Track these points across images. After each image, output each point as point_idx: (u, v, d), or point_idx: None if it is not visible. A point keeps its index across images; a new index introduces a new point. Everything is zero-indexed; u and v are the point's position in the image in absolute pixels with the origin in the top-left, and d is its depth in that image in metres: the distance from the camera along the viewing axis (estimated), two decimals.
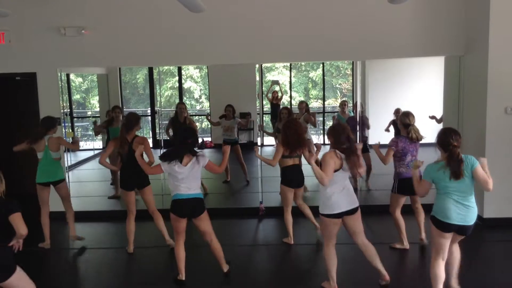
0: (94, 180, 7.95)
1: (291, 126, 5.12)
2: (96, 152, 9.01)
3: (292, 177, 5.26)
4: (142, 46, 6.41)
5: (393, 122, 7.14)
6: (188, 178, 4.16)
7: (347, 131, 3.99)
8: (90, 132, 9.53)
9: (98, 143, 9.20)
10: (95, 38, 6.40)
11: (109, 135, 7.14)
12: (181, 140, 4.17)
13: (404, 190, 4.89)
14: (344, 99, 9.11)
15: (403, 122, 4.90)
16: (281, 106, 9.57)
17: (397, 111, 7.32)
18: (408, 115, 4.90)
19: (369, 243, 4.09)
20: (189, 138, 4.19)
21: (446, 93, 6.83)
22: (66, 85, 7.70)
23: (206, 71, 9.06)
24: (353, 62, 8.74)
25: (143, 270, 4.92)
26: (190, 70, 9.76)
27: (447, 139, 3.52)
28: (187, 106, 7.45)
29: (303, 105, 7.62)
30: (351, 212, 3.96)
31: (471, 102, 6.12)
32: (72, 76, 8.63)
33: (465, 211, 3.48)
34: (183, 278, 4.39)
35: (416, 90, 7.88)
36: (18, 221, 3.15)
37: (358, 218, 4.03)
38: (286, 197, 5.30)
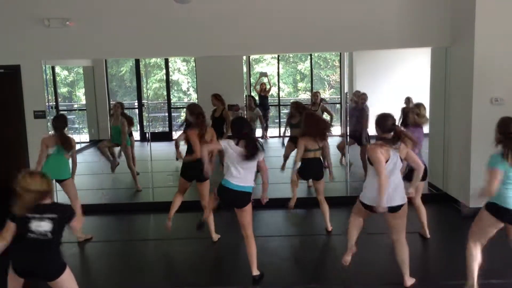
0: (82, 174, 7.87)
1: (311, 117, 5.20)
2: (83, 145, 8.92)
3: (306, 169, 5.30)
4: (128, 38, 6.34)
5: (403, 110, 7.24)
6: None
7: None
8: (77, 126, 9.44)
9: (85, 136, 9.12)
10: (80, 30, 6.31)
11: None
12: (237, 133, 4.12)
13: (409, 177, 4.91)
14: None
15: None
16: (269, 98, 9.59)
17: (407, 100, 7.37)
18: (419, 106, 5.11)
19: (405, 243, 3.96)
20: (244, 129, 4.12)
21: (432, 84, 6.88)
22: (52, 77, 7.60)
23: (193, 63, 9.00)
24: (340, 53, 8.75)
25: (133, 263, 4.92)
26: (178, 63, 9.68)
27: (508, 128, 3.47)
28: (175, 98, 7.42)
29: (318, 94, 7.83)
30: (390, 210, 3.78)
31: (457, 92, 6.17)
32: (57, 69, 8.52)
33: None
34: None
35: (403, 81, 7.93)
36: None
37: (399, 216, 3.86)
38: (292, 183, 5.39)
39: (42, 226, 2.94)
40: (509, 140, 3.43)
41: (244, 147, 4.03)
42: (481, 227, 3.61)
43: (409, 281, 4.01)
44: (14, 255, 3.01)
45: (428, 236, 5.15)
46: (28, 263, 3.00)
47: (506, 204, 3.45)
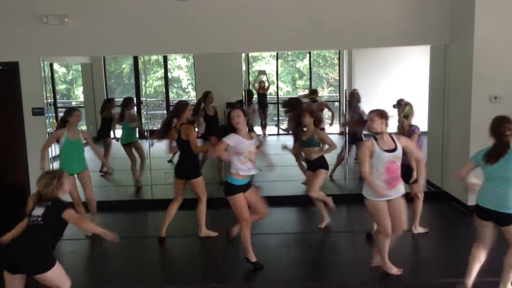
0: None
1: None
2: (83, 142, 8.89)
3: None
4: (126, 34, 6.32)
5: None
6: None
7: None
8: None
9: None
10: (78, 27, 6.28)
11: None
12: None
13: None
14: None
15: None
16: (268, 96, 9.58)
17: (399, 102, 7.36)
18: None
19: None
20: None
21: (431, 81, 6.88)
22: (50, 75, 7.57)
23: (193, 61, 8.99)
24: (339, 51, 8.75)
25: (132, 260, 4.91)
26: (178, 60, 9.68)
27: (500, 128, 3.50)
28: (174, 95, 7.39)
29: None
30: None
31: (456, 90, 6.17)
32: (56, 67, 8.50)
33: (500, 199, 3.45)
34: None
35: (402, 79, 7.93)
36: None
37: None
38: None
39: (38, 211, 3.23)
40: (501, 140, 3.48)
41: None
42: (476, 228, 3.66)
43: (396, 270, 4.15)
44: (3, 252, 3.15)
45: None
46: (13, 255, 3.11)
47: (483, 203, 3.52)
